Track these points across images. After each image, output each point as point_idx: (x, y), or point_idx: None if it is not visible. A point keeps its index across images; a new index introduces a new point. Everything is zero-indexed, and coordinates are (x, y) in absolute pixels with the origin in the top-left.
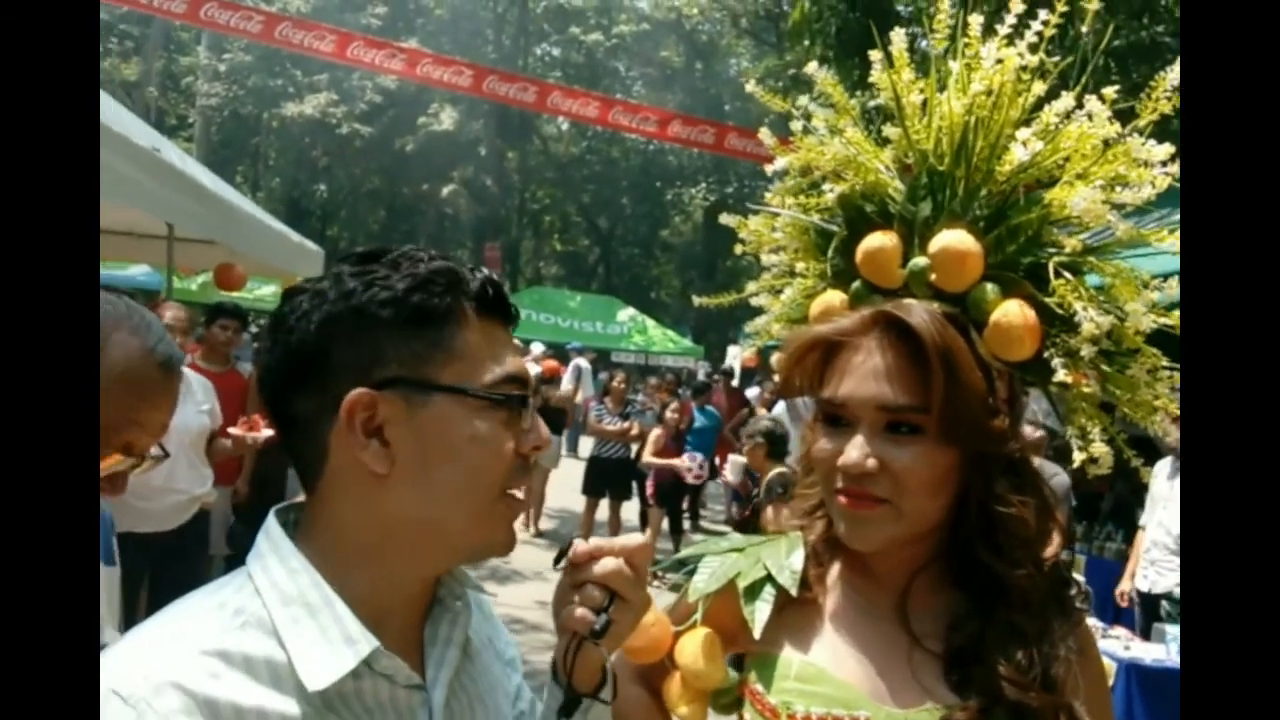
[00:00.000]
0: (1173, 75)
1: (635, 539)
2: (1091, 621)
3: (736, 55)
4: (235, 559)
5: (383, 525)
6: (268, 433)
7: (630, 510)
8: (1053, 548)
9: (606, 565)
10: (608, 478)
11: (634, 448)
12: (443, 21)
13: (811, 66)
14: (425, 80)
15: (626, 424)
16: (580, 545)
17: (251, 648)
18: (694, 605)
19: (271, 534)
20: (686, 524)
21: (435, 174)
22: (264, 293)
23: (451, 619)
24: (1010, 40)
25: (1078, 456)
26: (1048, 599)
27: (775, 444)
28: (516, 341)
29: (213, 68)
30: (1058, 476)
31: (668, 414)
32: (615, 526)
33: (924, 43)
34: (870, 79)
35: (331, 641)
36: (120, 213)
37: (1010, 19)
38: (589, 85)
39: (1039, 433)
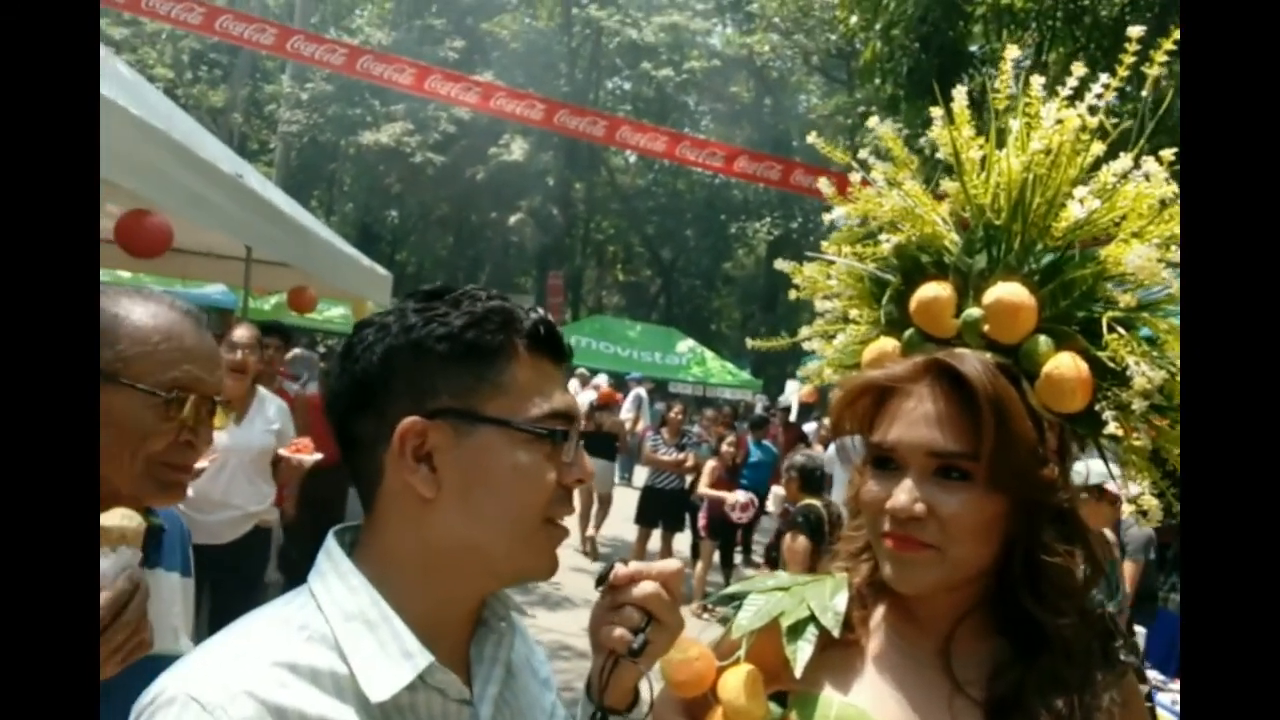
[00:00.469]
0: None
1: (671, 564)
2: (1154, 674)
3: (806, 92)
4: (290, 582)
5: (430, 547)
6: (316, 456)
7: (682, 542)
8: (1094, 601)
9: (645, 588)
10: (661, 508)
11: (688, 479)
12: (517, 54)
13: (873, 121)
14: (498, 113)
15: (682, 455)
16: (621, 569)
17: (317, 660)
18: (738, 642)
19: (332, 554)
20: (738, 558)
21: (503, 203)
22: (333, 314)
23: (497, 639)
24: (1071, 101)
25: (1127, 508)
26: (1091, 649)
27: (808, 478)
28: (582, 370)
29: (295, 96)
30: (1133, 528)
31: (724, 447)
32: (667, 557)
33: (996, 83)
34: (933, 129)
35: (390, 656)
36: (202, 234)
37: (1072, 81)
38: (658, 119)
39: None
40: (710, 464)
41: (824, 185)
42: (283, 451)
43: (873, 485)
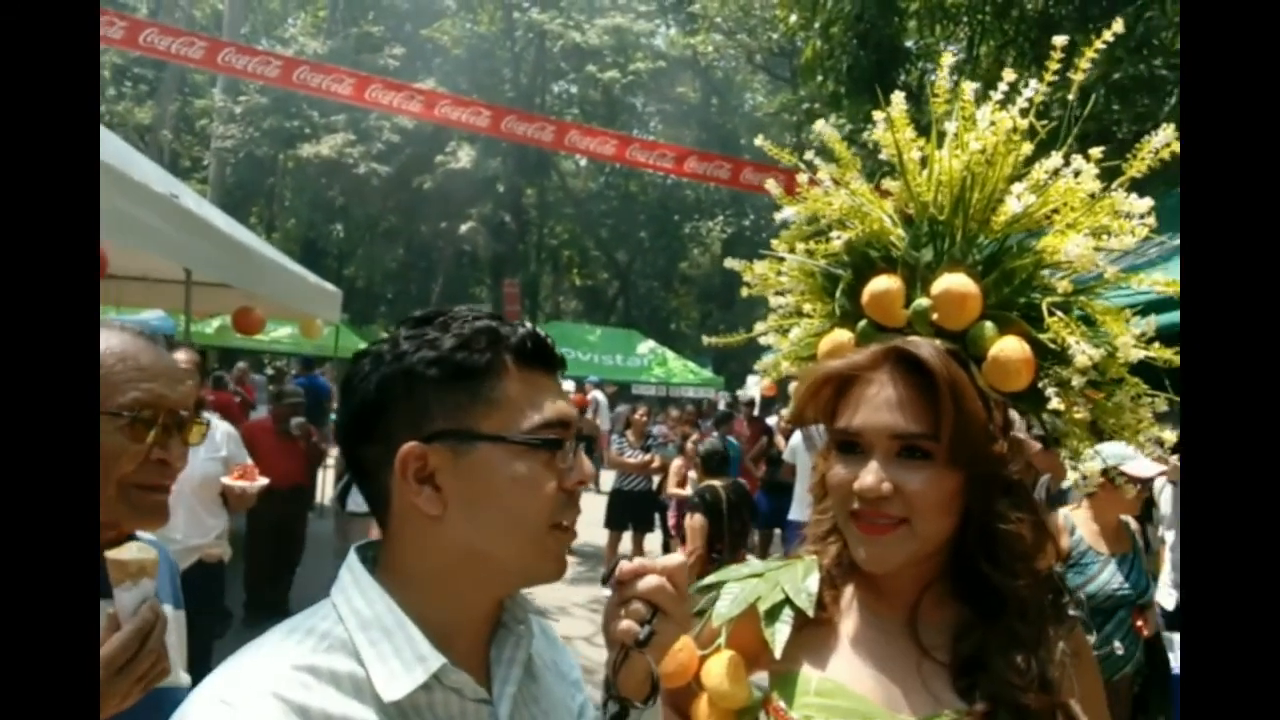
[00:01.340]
0: (1159, 138)
1: (675, 558)
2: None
3: (752, 90)
4: (250, 613)
5: (441, 558)
6: (262, 482)
7: (653, 542)
8: (1046, 559)
9: (650, 581)
10: (630, 510)
11: (656, 480)
12: (460, 61)
13: (820, 125)
14: (444, 121)
15: (647, 456)
16: (625, 564)
17: (337, 665)
18: (718, 630)
19: (353, 568)
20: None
21: (453, 212)
22: (281, 334)
23: (515, 641)
24: (1003, 105)
25: (1071, 475)
26: (1044, 607)
27: (710, 462)
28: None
29: (228, 110)
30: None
31: (689, 445)
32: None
33: (933, 77)
34: (875, 131)
35: (404, 659)
36: (137, 258)
37: (1003, 85)
38: (606, 122)
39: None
40: (676, 463)
41: (772, 186)
42: (227, 480)
43: (839, 468)
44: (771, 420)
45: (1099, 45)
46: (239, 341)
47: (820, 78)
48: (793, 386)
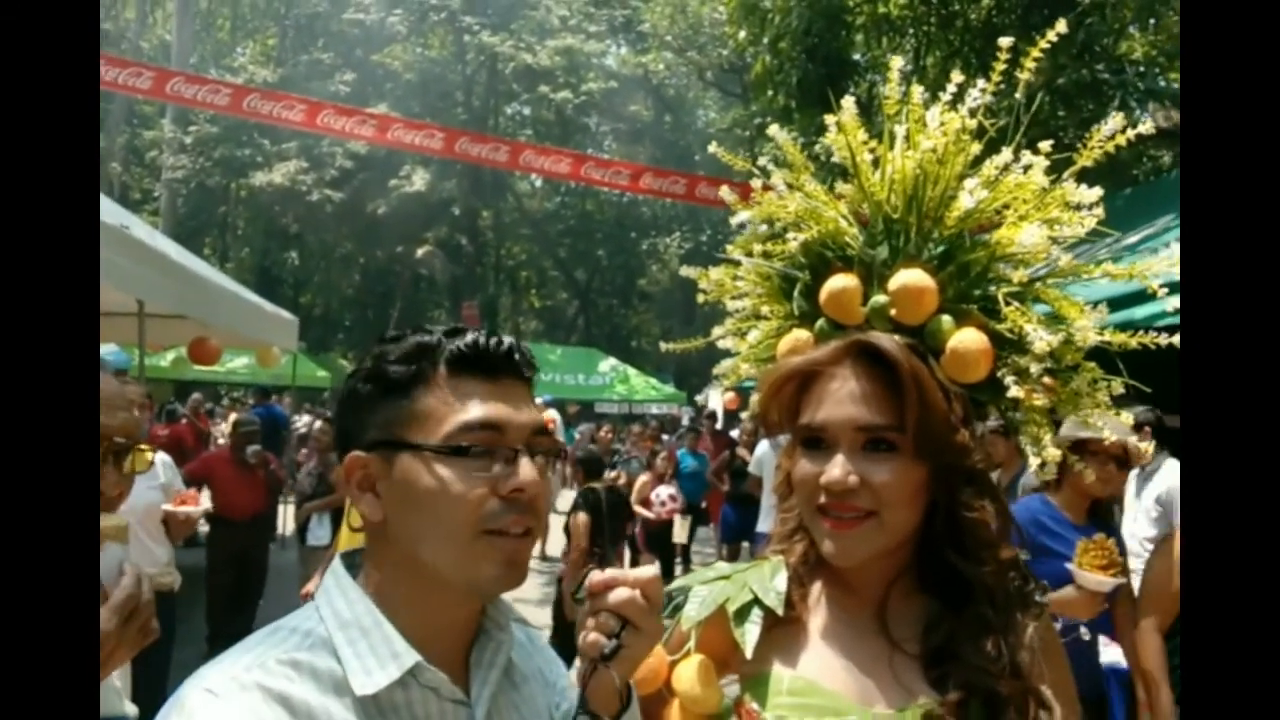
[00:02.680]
0: (1109, 125)
1: (647, 570)
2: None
3: (704, 107)
4: (214, 643)
5: (393, 564)
6: (204, 507)
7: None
8: (1009, 550)
9: (620, 595)
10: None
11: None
12: (411, 86)
13: (774, 129)
14: (397, 144)
15: (614, 474)
16: (596, 575)
17: (318, 662)
18: (687, 633)
19: (337, 572)
20: (678, 569)
21: (409, 236)
22: (237, 365)
23: (495, 646)
24: (953, 105)
25: (1033, 461)
26: (1011, 594)
27: (589, 467)
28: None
29: (178, 140)
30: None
31: (658, 461)
32: None
33: (883, 88)
34: (828, 135)
35: (379, 656)
36: None
37: (952, 87)
38: (560, 142)
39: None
40: (642, 479)
41: (725, 193)
42: (168, 507)
43: (805, 464)
44: (735, 433)
45: (1043, 46)
46: (195, 373)
47: (771, 92)
48: (754, 400)
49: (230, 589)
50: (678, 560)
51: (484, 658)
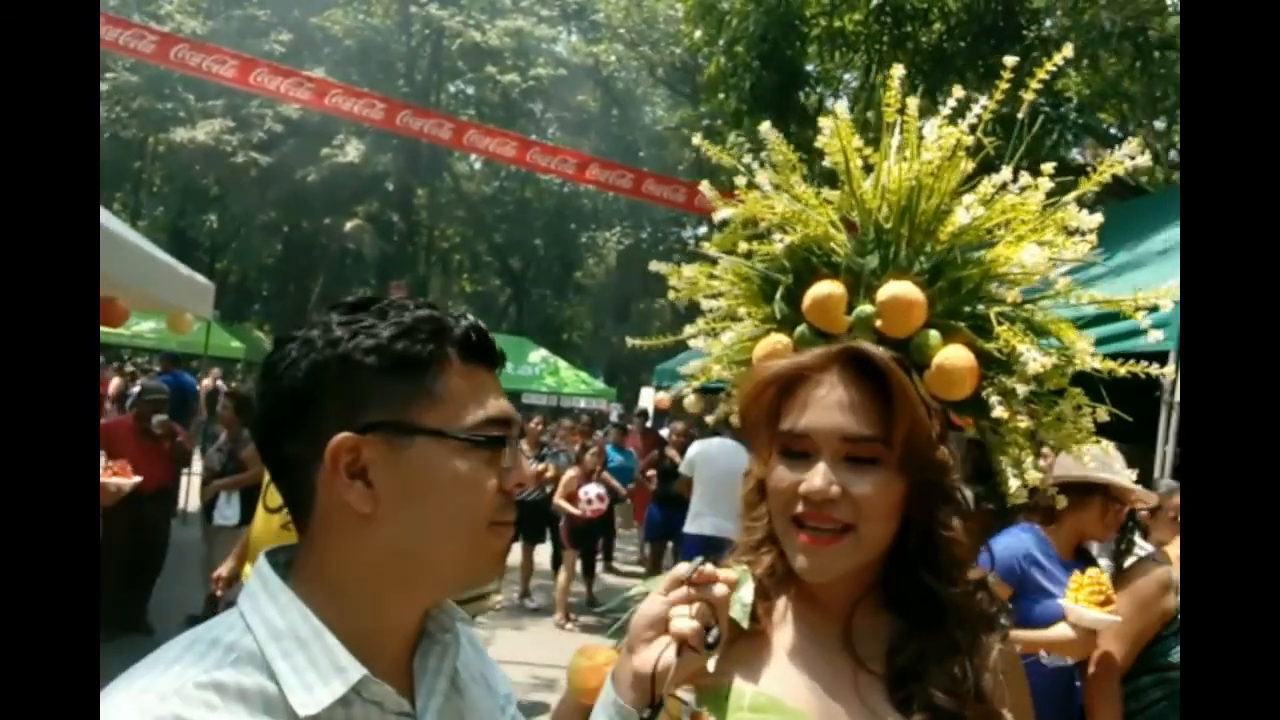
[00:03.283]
0: (1121, 151)
1: (734, 572)
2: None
3: (652, 104)
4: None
5: (370, 561)
6: (135, 479)
7: (543, 553)
8: (979, 570)
9: (721, 590)
10: (521, 520)
11: (549, 490)
12: (350, 53)
13: (765, 126)
14: (335, 111)
15: (541, 466)
16: (707, 568)
17: (245, 680)
18: None
19: (262, 573)
20: (599, 566)
21: (338, 208)
22: (144, 328)
23: (440, 651)
24: (952, 120)
25: (1013, 483)
26: (978, 615)
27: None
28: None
29: None
30: None
31: (588, 456)
32: (527, 570)
33: (829, 102)
34: (821, 138)
35: (321, 671)
36: None
37: (951, 102)
38: (504, 125)
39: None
40: (569, 474)
41: (706, 188)
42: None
43: (783, 472)
44: (665, 432)
45: (1050, 67)
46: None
47: (723, 95)
48: (687, 400)
49: (125, 567)
50: (599, 556)
51: (429, 664)
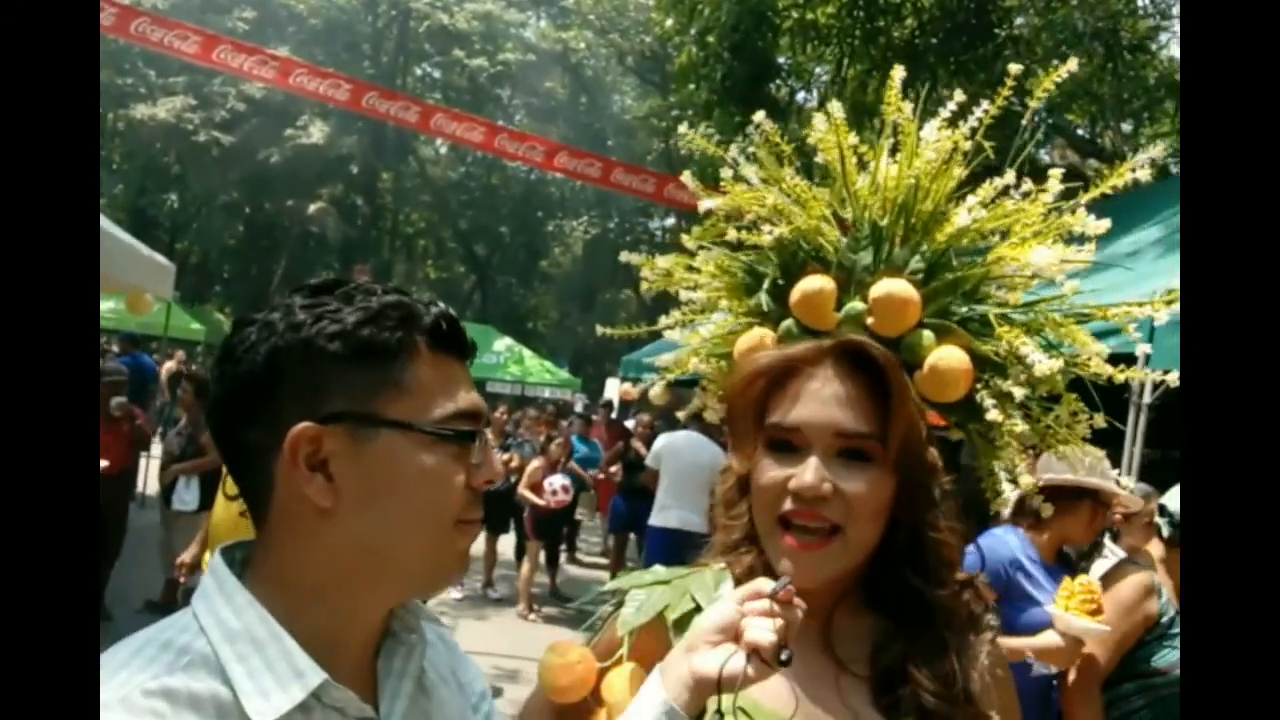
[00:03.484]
0: (1140, 156)
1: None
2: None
3: (621, 93)
4: None
5: (330, 559)
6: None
7: (506, 544)
8: (965, 574)
9: (798, 615)
10: (485, 510)
11: (513, 479)
12: (316, 32)
13: (759, 115)
14: (300, 91)
15: (506, 456)
16: (792, 588)
17: (196, 685)
18: (619, 640)
19: (217, 572)
20: (563, 557)
21: (301, 190)
22: (103, 309)
23: (406, 652)
24: (953, 123)
25: (1007, 487)
26: (965, 616)
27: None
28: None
29: None
30: None
31: (553, 446)
32: (490, 560)
33: (800, 96)
34: (814, 134)
35: (279, 675)
36: None
37: (952, 105)
38: (471, 110)
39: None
40: (534, 464)
41: (688, 179)
42: None
43: (771, 468)
44: (630, 424)
45: (1054, 80)
46: None
47: (693, 85)
48: (654, 392)
49: None
50: (562, 547)
51: (394, 665)
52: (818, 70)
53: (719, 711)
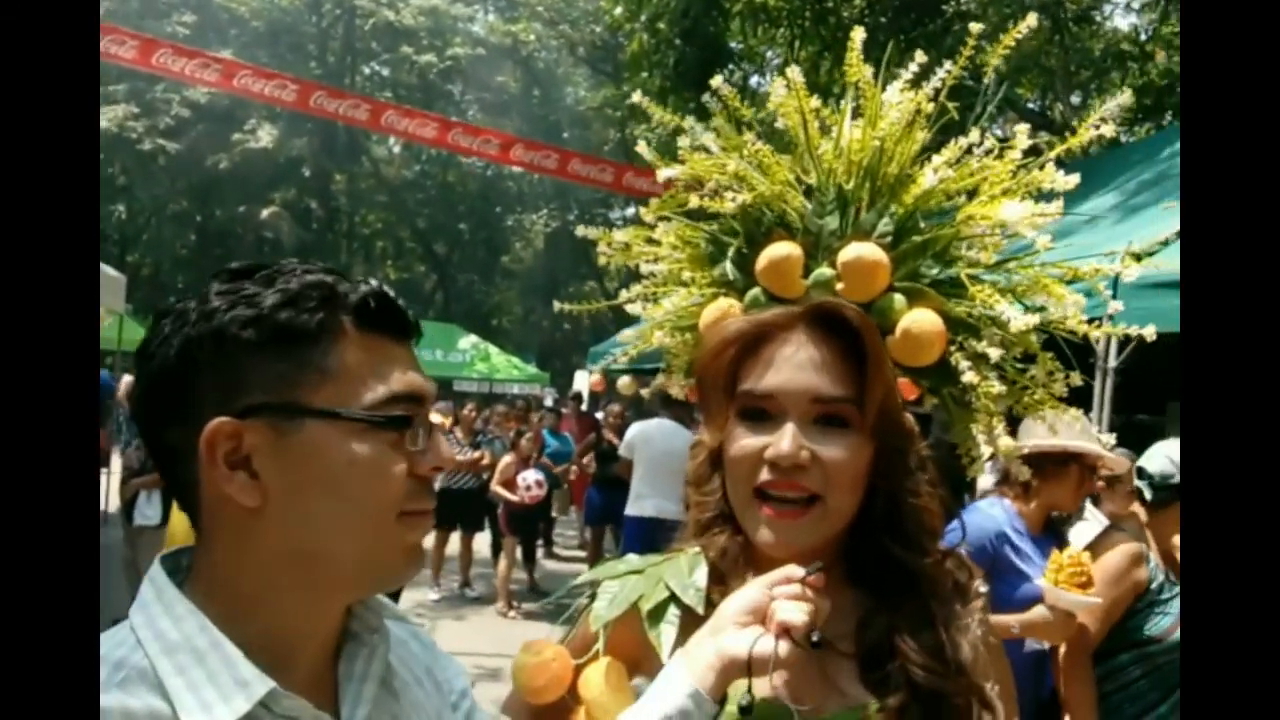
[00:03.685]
0: (1107, 106)
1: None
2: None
3: (574, 84)
4: None
5: (265, 561)
6: None
7: (482, 542)
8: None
9: (828, 604)
10: (459, 509)
11: (485, 477)
12: (259, 34)
13: (716, 80)
14: (245, 93)
15: (477, 454)
16: (822, 576)
17: (131, 702)
18: (594, 634)
19: (156, 580)
20: (540, 552)
21: (253, 195)
22: None
23: (368, 654)
24: (915, 85)
25: (986, 450)
26: (952, 585)
27: None
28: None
29: None
30: None
31: (523, 442)
32: (466, 559)
33: (754, 79)
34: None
35: (221, 687)
36: None
37: (914, 67)
38: (422, 108)
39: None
40: (505, 460)
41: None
42: None
43: (745, 437)
44: (600, 415)
45: (1012, 40)
46: None
47: (646, 73)
48: (621, 382)
49: None
50: (539, 542)
51: (355, 669)
52: (769, 54)
53: (741, 707)
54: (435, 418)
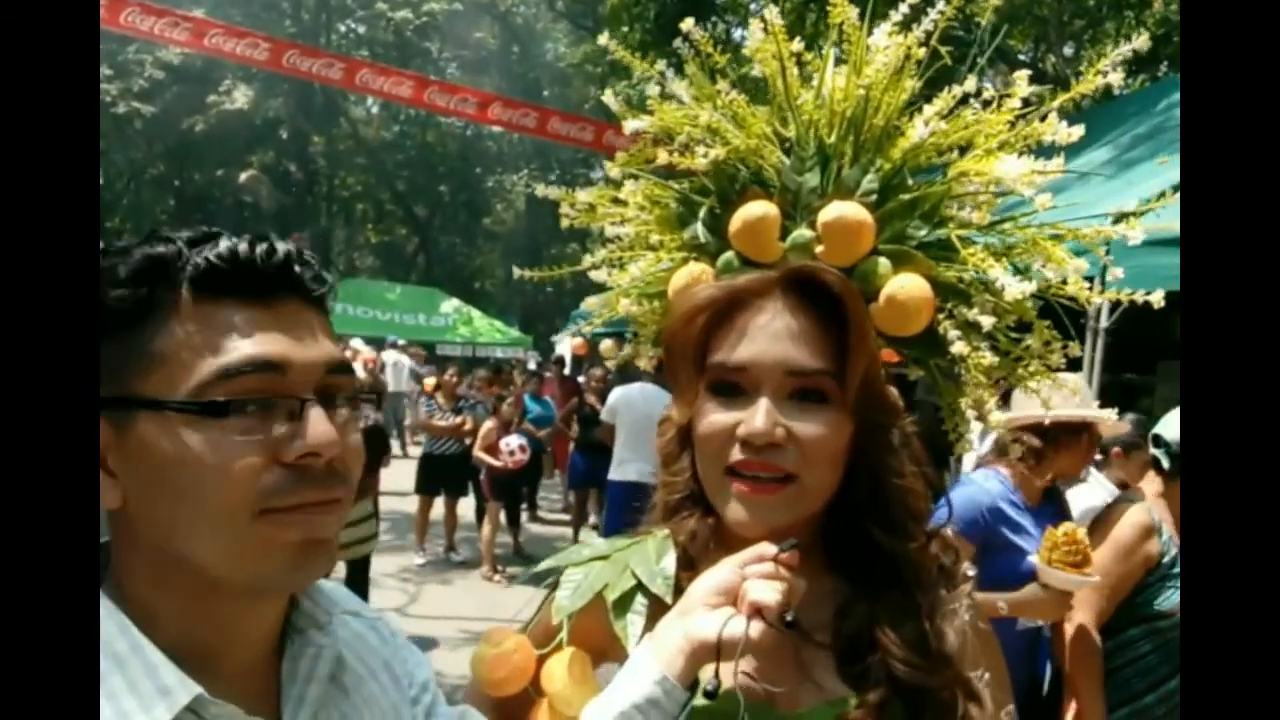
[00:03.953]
0: (1116, 53)
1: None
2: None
3: (554, 40)
4: None
5: (146, 563)
6: None
7: (466, 506)
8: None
9: (803, 584)
10: (442, 475)
11: (467, 442)
12: None
13: (687, 23)
14: (216, 53)
15: (459, 419)
16: (796, 554)
17: None
18: (557, 625)
19: None
20: (524, 515)
21: (230, 158)
22: None
23: (314, 652)
24: (904, 28)
25: (976, 427)
26: (937, 571)
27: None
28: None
29: None
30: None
31: (504, 407)
32: (451, 524)
33: (738, 33)
34: (750, 44)
35: (141, 695)
36: None
37: (904, 8)
38: (399, 66)
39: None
40: (487, 425)
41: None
42: None
43: (716, 413)
44: (581, 379)
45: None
46: None
47: (626, 27)
48: (604, 346)
49: None
50: (523, 506)
51: (299, 669)
52: (753, 6)
53: (706, 692)
54: (357, 366)
